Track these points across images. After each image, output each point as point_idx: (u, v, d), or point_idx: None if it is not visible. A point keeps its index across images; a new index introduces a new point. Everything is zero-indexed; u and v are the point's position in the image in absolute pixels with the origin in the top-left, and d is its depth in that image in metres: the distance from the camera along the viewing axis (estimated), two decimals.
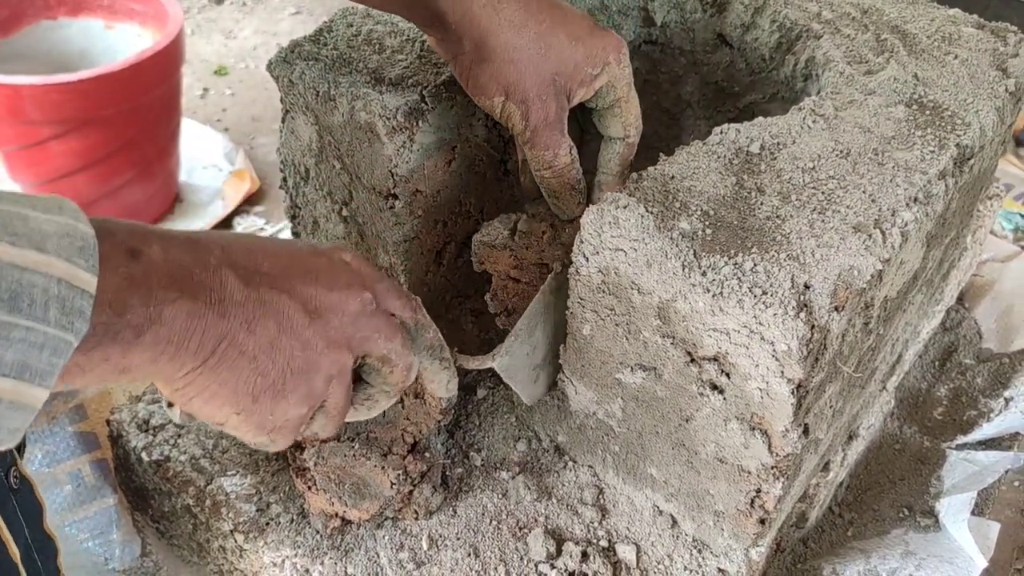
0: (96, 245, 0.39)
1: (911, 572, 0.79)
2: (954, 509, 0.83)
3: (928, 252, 0.71)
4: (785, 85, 0.85)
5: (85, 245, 0.39)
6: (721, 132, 0.69)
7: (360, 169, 0.72)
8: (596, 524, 0.74)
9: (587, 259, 0.64)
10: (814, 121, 0.70)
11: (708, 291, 0.58)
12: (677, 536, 0.73)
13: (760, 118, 0.70)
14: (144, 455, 0.80)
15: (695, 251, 0.59)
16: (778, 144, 0.68)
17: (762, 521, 0.67)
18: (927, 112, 0.71)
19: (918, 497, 0.86)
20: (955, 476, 0.87)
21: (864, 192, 0.64)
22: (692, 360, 0.63)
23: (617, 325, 0.65)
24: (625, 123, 0.73)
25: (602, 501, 0.75)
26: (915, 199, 0.64)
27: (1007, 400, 0.94)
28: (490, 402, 0.83)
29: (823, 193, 0.64)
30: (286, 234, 1.12)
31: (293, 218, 0.85)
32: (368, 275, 0.54)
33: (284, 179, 0.81)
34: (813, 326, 0.56)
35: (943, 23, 0.81)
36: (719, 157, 0.67)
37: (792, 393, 0.59)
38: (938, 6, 0.84)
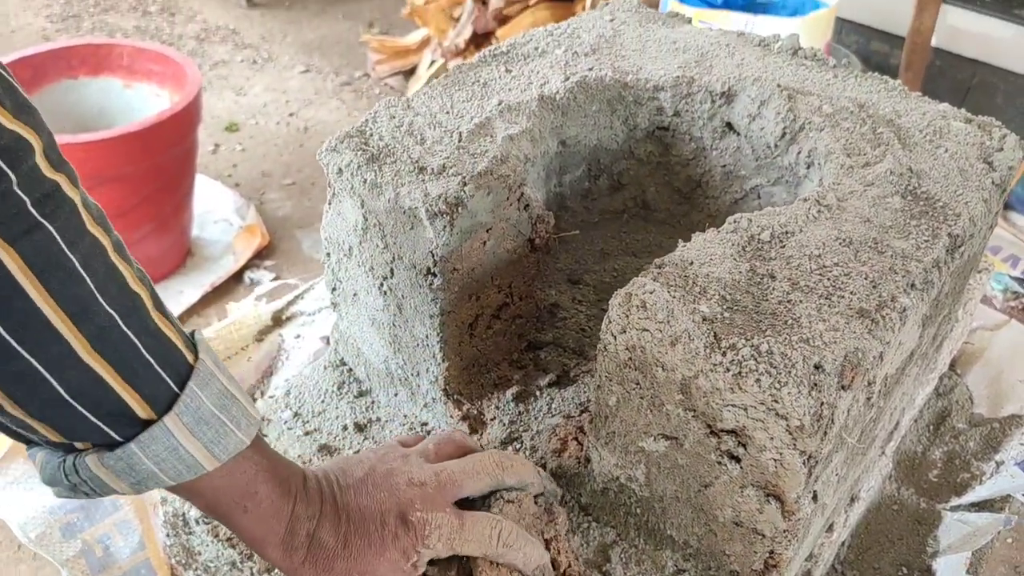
0: None
1: None
2: (950, 568, 0.88)
3: (924, 332, 0.78)
4: (789, 170, 0.92)
5: None
6: (735, 221, 0.75)
7: (402, 249, 0.78)
8: None
9: (615, 337, 0.70)
10: (819, 211, 0.76)
11: (728, 370, 0.64)
12: None
13: (769, 208, 0.77)
14: None
15: (715, 333, 0.65)
16: (787, 232, 0.74)
17: None
18: (921, 203, 0.78)
19: (916, 556, 0.91)
20: (950, 536, 0.92)
21: (866, 279, 0.70)
22: (712, 432, 0.68)
23: (642, 398, 0.71)
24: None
25: (625, 560, 0.80)
26: (912, 285, 0.70)
27: (998, 464, 0.99)
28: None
29: (829, 279, 0.70)
30: (316, 291, 1.16)
31: (333, 290, 0.91)
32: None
33: (328, 254, 0.87)
34: (823, 403, 0.62)
35: (934, 117, 0.88)
36: (733, 244, 0.73)
37: (804, 463, 0.64)
38: (929, 100, 0.91)
